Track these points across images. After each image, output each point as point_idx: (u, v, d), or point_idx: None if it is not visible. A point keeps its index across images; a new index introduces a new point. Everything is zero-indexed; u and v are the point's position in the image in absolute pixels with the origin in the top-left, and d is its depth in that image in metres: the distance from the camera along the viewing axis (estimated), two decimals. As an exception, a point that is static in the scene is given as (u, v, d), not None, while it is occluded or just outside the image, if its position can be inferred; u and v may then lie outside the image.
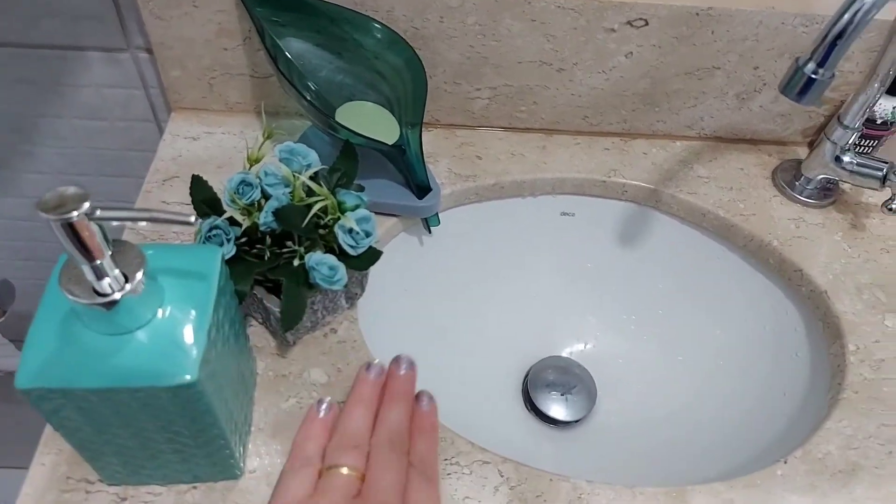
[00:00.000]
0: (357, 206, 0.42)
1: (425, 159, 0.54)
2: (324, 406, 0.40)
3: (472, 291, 0.63)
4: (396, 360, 0.42)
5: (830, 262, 0.55)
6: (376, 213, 0.54)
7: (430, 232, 0.57)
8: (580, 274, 0.64)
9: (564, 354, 0.64)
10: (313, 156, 0.44)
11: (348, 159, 0.46)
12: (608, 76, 0.58)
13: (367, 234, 0.41)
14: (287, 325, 0.39)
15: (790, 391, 0.54)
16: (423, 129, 0.54)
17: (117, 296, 0.28)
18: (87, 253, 0.26)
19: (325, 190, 0.40)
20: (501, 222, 0.62)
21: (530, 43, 0.55)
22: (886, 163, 0.55)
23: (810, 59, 0.37)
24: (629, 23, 0.54)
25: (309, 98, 0.49)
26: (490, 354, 0.62)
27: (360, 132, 0.49)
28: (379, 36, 0.53)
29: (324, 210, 0.40)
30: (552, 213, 0.63)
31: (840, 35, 0.36)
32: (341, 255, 0.41)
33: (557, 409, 0.60)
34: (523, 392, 0.62)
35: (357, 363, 0.46)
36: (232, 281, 0.38)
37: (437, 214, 0.56)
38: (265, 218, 0.39)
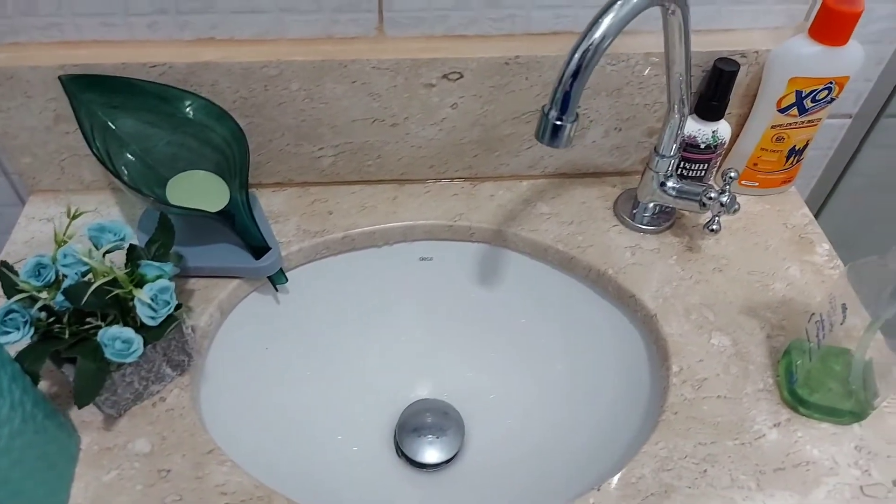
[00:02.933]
0: (158, 277, 0.44)
1: (271, 219, 0.56)
2: None
3: (336, 343, 0.64)
4: None
5: (662, 286, 0.57)
6: (218, 276, 0.56)
7: (276, 289, 0.59)
8: (444, 315, 0.66)
9: (434, 397, 0.65)
10: (126, 231, 0.46)
11: (165, 230, 0.48)
12: (441, 127, 0.61)
13: (167, 304, 0.43)
14: (80, 402, 0.40)
15: (632, 416, 0.55)
16: (277, 189, 0.58)
17: None
18: None
19: (105, 266, 0.41)
20: (360, 272, 0.63)
21: (357, 103, 0.58)
22: (704, 186, 0.57)
23: (552, 107, 0.40)
24: (445, 77, 0.57)
25: (125, 179, 0.52)
26: (359, 404, 0.63)
27: (182, 204, 0.51)
28: (205, 110, 0.55)
29: (115, 283, 0.42)
30: (411, 258, 0.65)
31: (574, 79, 0.39)
32: (143, 326, 0.43)
33: (429, 453, 0.61)
34: (394, 439, 0.63)
35: (184, 430, 0.47)
36: (25, 363, 0.39)
37: (281, 272, 0.57)
38: (58, 297, 0.41)
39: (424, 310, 0.66)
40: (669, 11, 0.42)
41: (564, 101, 0.39)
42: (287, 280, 0.58)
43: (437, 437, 0.62)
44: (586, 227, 0.62)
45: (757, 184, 0.63)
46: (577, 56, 0.38)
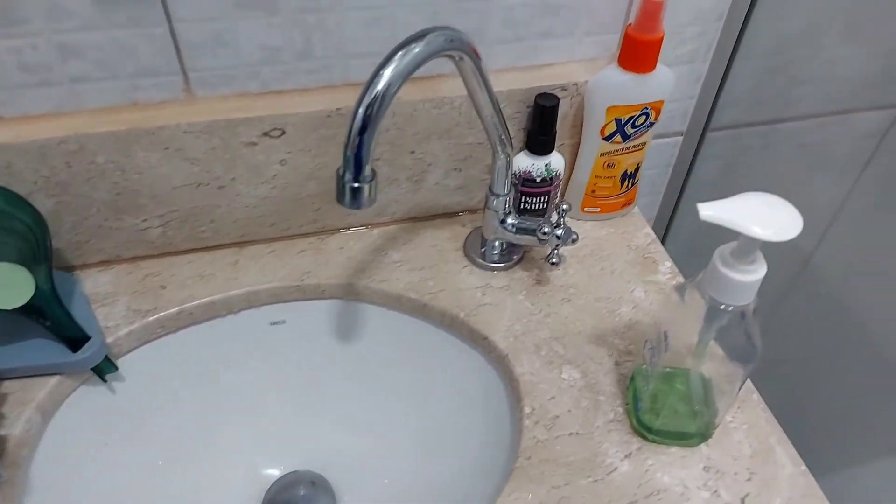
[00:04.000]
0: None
1: (96, 302, 0.52)
2: None
3: (188, 425, 0.60)
4: None
5: (513, 323, 0.57)
6: (32, 375, 0.51)
7: (104, 381, 0.54)
8: (303, 380, 0.63)
9: (301, 468, 0.62)
10: None
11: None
12: (273, 184, 0.58)
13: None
14: None
15: (498, 463, 0.54)
16: (104, 267, 0.56)
17: None
18: None
19: None
20: (205, 346, 0.59)
21: (176, 169, 0.55)
22: (538, 221, 0.57)
23: (346, 169, 0.38)
24: (266, 134, 0.54)
25: None
26: (221, 487, 0.59)
27: (-29, 304, 0.46)
28: (1, 197, 0.50)
29: None
30: (260, 324, 0.61)
31: (362, 135, 0.37)
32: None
33: (300, 528, 0.58)
34: (261, 518, 0.59)
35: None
36: None
37: (108, 360, 0.53)
38: None
39: (281, 377, 0.62)
40: (457, 59, 0.41)
41: (357, 160, 0.38)
42: (117, 369, 0.53)
43: (306, 511, 0.58)
44: (437, 270, 0.61)
45: (599, 209, 0.64)
46: (360, 111, 0.37)
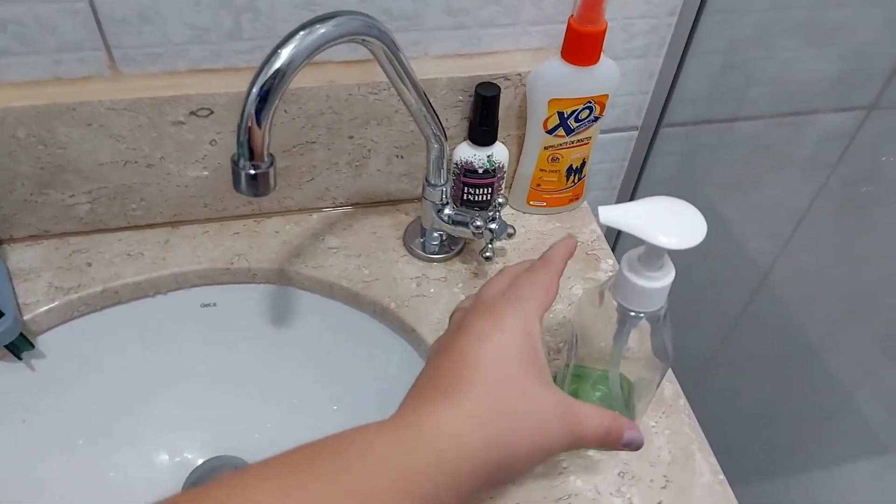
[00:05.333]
0: None
1: (20, 277, 0.51)
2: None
3: (110, 406, 0.59)
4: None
5: (444, 316, 0.56)
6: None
7: (20, 359, 0.53)
8: (232, 364, 0.62)
9: (227, 453, 0.61)
10: None
11: None
12: (205, 164, 0.57)
13: None
14: None
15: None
16: (32, 242, 0.56)
17: None
18: None
19: None
20: (132, 327, 0.58)
21: (100, 146, 0.53)
22: (472, 214, 0.56)
23: (240, 155, 0.37)
24: (193, 113, 0.53)
25: None
26: (142, 471, 0.58)
27: None
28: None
29: None
30: (191, 306, 0.60)
31: (259, 117, 0.36)
32: None
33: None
34: None
35: None
36: None
37: (23, 337, 0.52)
38: None
39: (210, 360, 0.61)
40: (370, 46, 0.40)
41: (252, 145, 0.36)
42: (34, 346, 0.52)
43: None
44: (374, 259, 0.60)
45: (544, 203, 0.63)
46: (255, 91, 0.35)
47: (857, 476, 1.23)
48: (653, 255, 0.37)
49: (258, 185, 0.37)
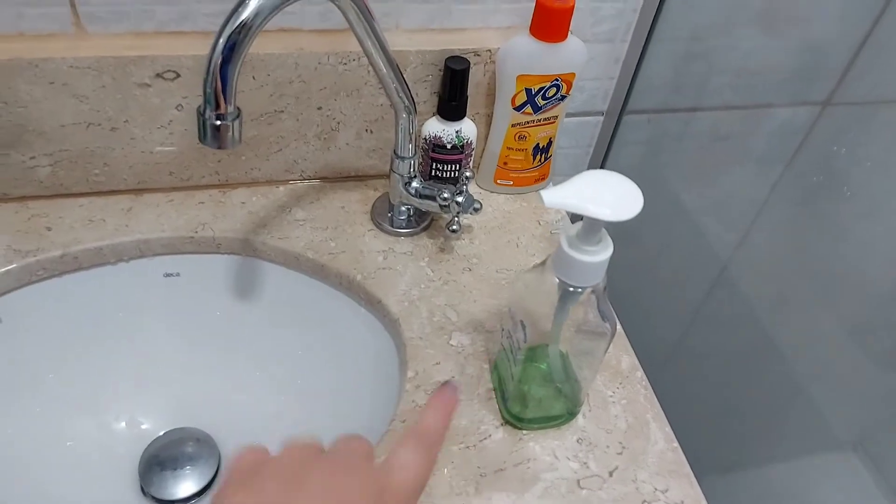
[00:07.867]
0: None
1: None
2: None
3: (67, 374, 0.57)
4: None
5: (410, 288, 0.56)
6: None
7: (-28, 321, 0.51)
8: (195, 335, 0.61)
9: (186, 425, 0.60)
10: None
11: None
12: (171, 130, 0.56)
13: None
14: None
15: (385, 427, 0.53)
16: None
17: None
18: None
19: None
20: (92, 294, 0.57)
21: (62, 106, 0.52)
22: (440, 187, 0.56)
23: (206, 105, 0.37)
24: (159, 76, 0.52)
25: None
26: (97, 441, 0.57)
27: None
28: None
29: None
30: (154, 275, 0.59)
31: (226, 67, 0.36)
32: None
33: (181, 487, 0.56)
34: (140, 477, 0.57)
35: None
36: None
37: (-23, 300, 0.51)
38: None
39: (172, 330, 0.61)
40: (343, 9, 0.40)
41: (217, 96, 0.36)
42: (-12, 308, 0.51)
43: (188, 469, 0.57)
44: (341, 232, 0.60)
45: (511, 182, 0.64)
46: (222, 41, 0.35)
47: (813, 469, 1.26)
48: (591, 230, 0.38)
49: (222, 136, 0.37)
